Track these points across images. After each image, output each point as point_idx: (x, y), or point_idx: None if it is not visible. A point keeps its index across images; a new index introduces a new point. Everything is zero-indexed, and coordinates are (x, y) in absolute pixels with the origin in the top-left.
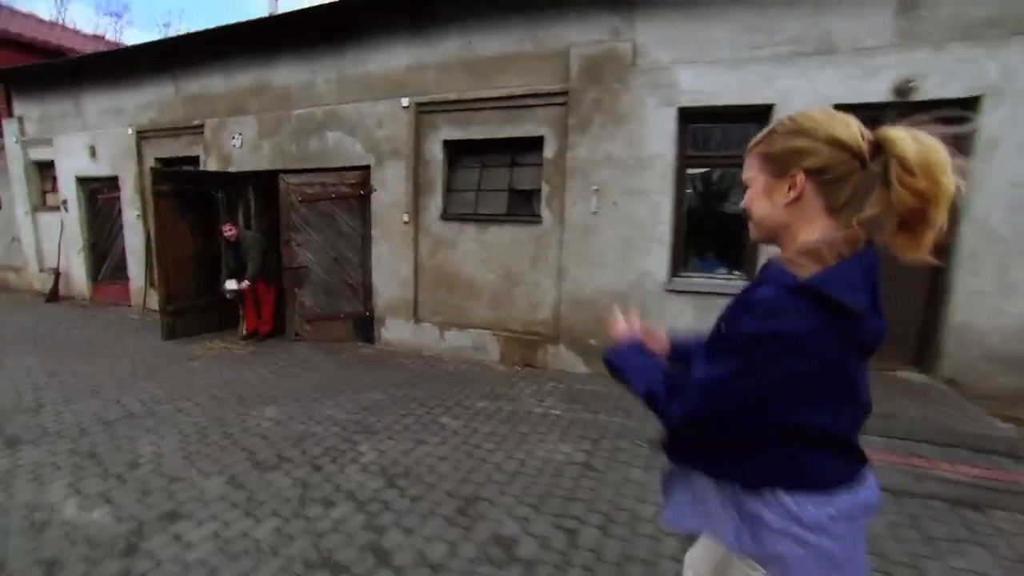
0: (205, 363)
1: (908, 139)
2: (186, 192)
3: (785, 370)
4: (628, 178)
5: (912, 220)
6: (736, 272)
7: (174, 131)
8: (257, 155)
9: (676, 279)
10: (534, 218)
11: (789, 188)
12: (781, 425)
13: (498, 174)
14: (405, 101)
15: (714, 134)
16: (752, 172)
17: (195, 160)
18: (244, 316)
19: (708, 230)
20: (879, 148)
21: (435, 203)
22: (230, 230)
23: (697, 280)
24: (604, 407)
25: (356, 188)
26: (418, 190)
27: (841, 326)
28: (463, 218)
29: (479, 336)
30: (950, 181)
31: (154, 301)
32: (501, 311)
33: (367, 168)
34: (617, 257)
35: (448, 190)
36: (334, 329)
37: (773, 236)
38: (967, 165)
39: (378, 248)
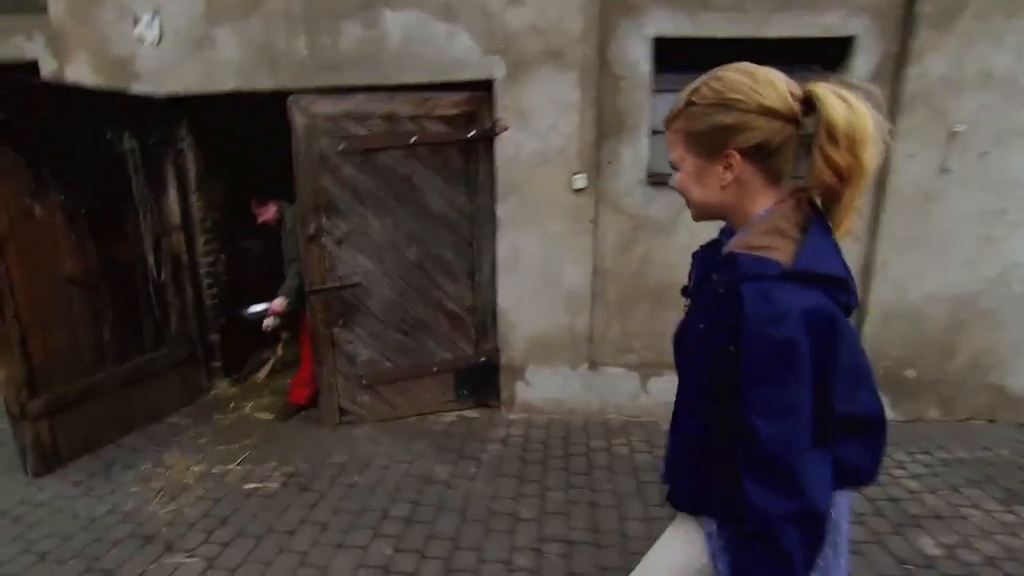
0: (168, 532)
1: (838, 102)
2: (43, 137)
3: (821, 362)
4: (1015, 112)
5: (827, 198)
6: None
7: None
8: (203, 59)
9: None
10: None
11: (725, 170)
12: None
13: None
14: None
15: None
16: (677, 152)
17: (29, 68)
18: (281, 368)
19: None
20: (810, 105)
21: (633, 155)
22: (267, 211)
23: None
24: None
25: (461, 126)
26: (601, 130)
27: (834, 296)
28: None
29: None
30: (872, 158)
31: None
32: None
33: (485, 86)
34: (972, 242)
35: (656, 131)
36: (416, 394)
37: (717, 217)
38: (891, 137)
39: (511, 240)
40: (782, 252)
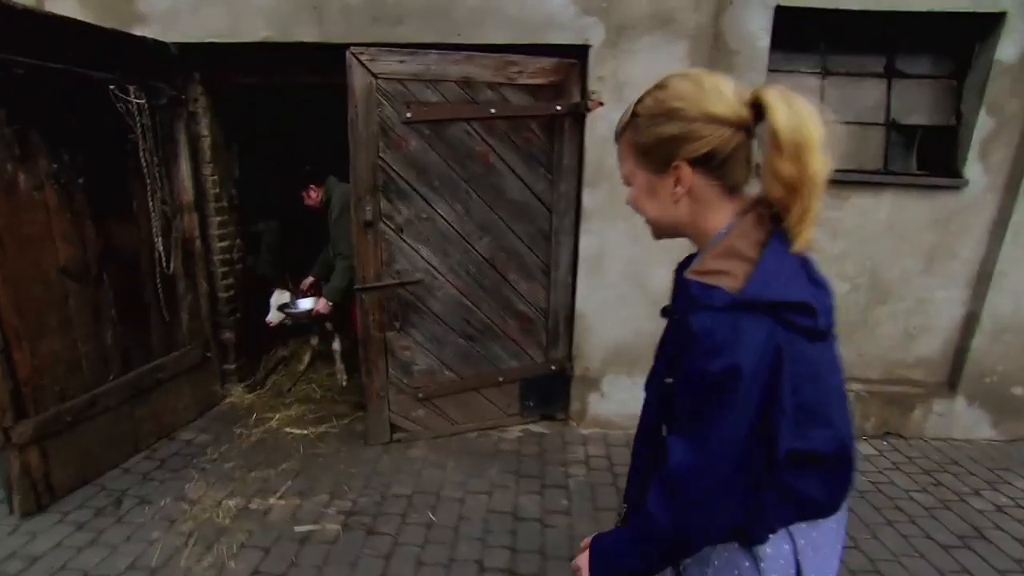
0: None
1: (784, 106)
2: (27, 84)
3: (762, 399)
4: None
5: (783, 211)
6: None
7: None
8: (226, 1)
9: None
10: (947, 180)
11: (675, 183)
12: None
13: (865, 92)
14: None
15: None
16: (628, 166)
17: None
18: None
19: None
20: (760, 111)
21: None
22: (312, 193)
23: None
24: None
25: (548, 98)
26: None
27: (790, 323)
28: None
29: (863, 392)
30: (820, 167)
31: None
32: (848, 347)
33: (578, 53)
34: None
35: None
36: (477, 406)
37: (677, 234)
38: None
39: (596, 234)
40: (733, 277)
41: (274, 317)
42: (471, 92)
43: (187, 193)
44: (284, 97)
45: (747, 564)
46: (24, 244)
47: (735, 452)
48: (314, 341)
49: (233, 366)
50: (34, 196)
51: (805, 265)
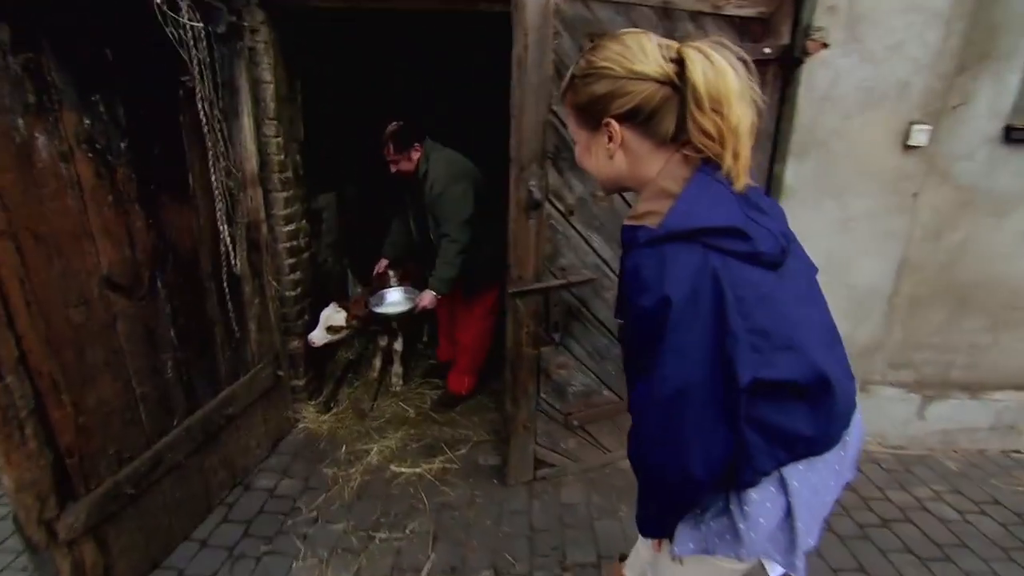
0: None
1: (701, 61)
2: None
3: (707, 326)
4: None
5: (719, 159)
6: None
7: None
8: None
9: None
10: None
11: (608, 139)
12: (756, 384)
13: None
14: None
15: None
16: (572, 127)
17: None
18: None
19: None
20: (683, 66)
21: (992, 97)
22: (400, 156)
23: None
24: None
25: (755, 36)
26: (964, 55)
27: (727, 247)
28: None
29: (1013, 405)
30: (739, 117)
31: None
32: None
33: None
34: None
35: None
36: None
37: (623, 188)
38: (760, 94)
39: (794, 218)
40: (658, 215)
41: (320, 337)
42: (668, 23)
43: (251, 161)
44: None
45: (736, 509)
46: (52, 246)
47: (689, 383)
48: (383, 341)
49: (302, 382)
50: (61, 170)
51: (746, 195)
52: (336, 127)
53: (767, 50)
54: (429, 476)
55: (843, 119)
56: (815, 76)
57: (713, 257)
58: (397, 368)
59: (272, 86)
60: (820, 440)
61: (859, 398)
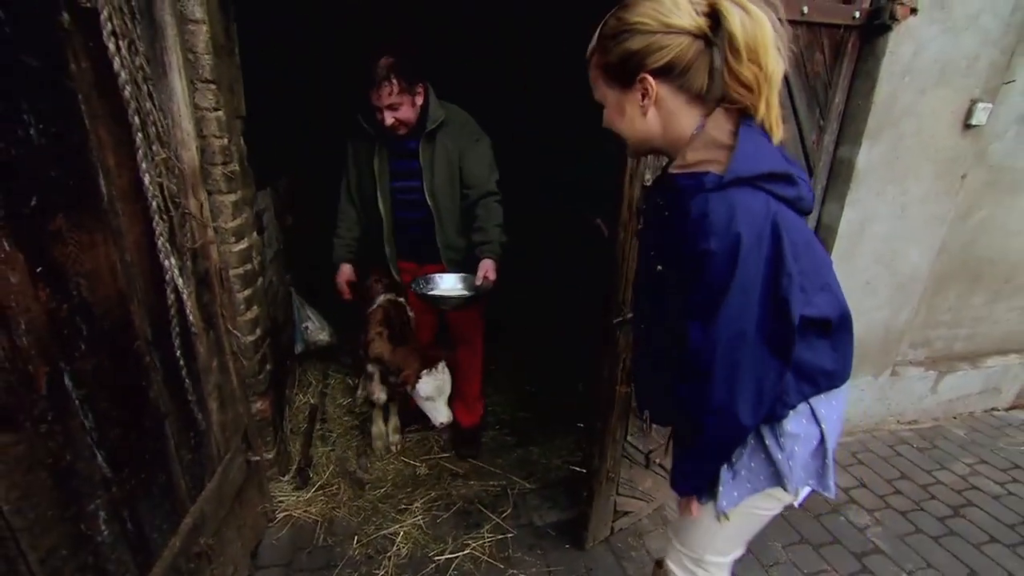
0: None
1: (737, 11)
2: None
3: (767, 268)
4: None
5: (752, 110)
6: None
7: None
8: None
9: None
10: None
11: (643, 96)
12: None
13: None
14: None
15: None
16: (600, 89)
17: None
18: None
19: None
20: (716, 19)
21: None
22: (403, 99)
23: None
24: None
25: None
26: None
27: (781, 193)
28: None
29: (999, 368)
30: (774, 64)
31: None
32: None
33: None
34: None
35: None
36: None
37: (652, 149)
38: (786, 43)
39: (862, 206)
40: (718, 163)
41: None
42: None
43: (191, 147)
44: None
45: (771, 444)
46: None
47: (751, 323)
48: (382, 395)
49: (271, 455)
50: None
51: (776, 146)
52: (276, 96)
53: (857, 14)
54: (484, 557)
55: (917, 95)
56: (900, 46)
57: (772, 202)
58: (395, 422)
59: (206, 28)
60: (840, 374)
61: (888, 381)
